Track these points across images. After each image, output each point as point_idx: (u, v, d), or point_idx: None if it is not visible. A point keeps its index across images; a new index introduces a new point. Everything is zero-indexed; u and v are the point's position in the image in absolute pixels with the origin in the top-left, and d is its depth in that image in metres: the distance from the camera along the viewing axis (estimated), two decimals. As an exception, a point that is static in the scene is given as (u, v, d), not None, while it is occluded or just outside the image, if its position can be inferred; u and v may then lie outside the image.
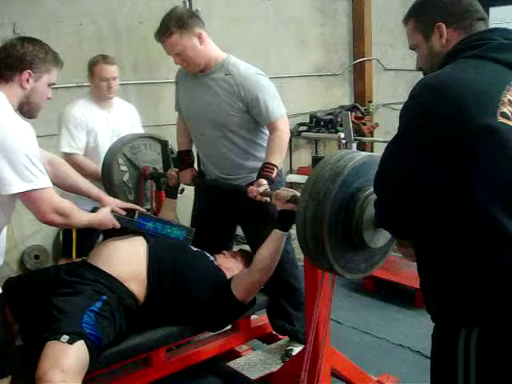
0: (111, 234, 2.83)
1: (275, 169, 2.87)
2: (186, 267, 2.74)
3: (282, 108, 2.98)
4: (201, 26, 2.92)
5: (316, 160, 2.62)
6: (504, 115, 1.43)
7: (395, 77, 7.45)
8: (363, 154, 2.11)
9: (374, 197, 1.88)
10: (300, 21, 6.72)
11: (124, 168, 3.51)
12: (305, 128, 6.64)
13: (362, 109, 6.82)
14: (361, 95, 7.25)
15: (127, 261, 2.66)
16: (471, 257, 1.49)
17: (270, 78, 6.64)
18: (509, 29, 1.65)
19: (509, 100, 1.46)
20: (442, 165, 1.44)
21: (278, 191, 2.59)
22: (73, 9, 4.96)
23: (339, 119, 6.44)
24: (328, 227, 1.94)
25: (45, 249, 4.96)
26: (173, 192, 3.34)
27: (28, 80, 2.22)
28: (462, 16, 1.65)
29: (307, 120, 6.74)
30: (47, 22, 4.79)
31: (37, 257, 4.89)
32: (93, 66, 3.70)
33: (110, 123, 3.79)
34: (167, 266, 2.70)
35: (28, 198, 2.17)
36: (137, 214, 2.82)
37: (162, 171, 3.53)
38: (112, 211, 2.70)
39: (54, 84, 2.36)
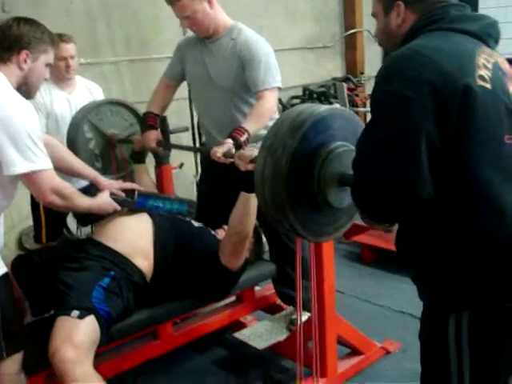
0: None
1: (246, 133, 2.79)
2: (189, 242, 2.75)
3: (275, 81, 2.96)
4: None
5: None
6: (481, 78, 1.43)
7: (386, 48, 7.44)
8: (325, 107, 1.95)
9: (339, 151, 1.79)
10: (290, -8, 6.68)
11: (89, 135, 3.40)
12: (298, 101, 6.62)
13: (355, 80, 6.82)
14: (352, 67, 7.25)
15: (133, 237, 2.67)
16: (460, 234, 1.46)
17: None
18: (463, 3, 1.62)
19: (482, 64, 1.46)
20: (432, 131, 1.39)
21: (240, 151, 2.55)
22: (63, -14, 4.90)
23: (332, 91, 6.44)
24: (288, 185, 1.79)
25: (43, 228, 4.95)
26: (139, 158, 3.32)
27: (26, 60, 2.22)
28: None
29: (300, 93, 6.73)
30: (37, 0, 4.74)
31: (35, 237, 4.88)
32: None
33: (71, 104, 3.67)
34: (172, 241, 2.71)
35: (29, 179, 2.17)
36: (136, 194, 2.81)
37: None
38: (111, 194, 2.69)
39: (50, 64, 2.35)
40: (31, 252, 2.93)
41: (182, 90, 3.31)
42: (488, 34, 1.56)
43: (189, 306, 2.86)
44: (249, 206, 2.58)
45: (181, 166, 3.95)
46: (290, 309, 3.28)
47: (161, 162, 3.51)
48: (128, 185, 2.88)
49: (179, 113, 4.76)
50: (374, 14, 1.75)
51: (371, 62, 7.27)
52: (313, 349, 2.59)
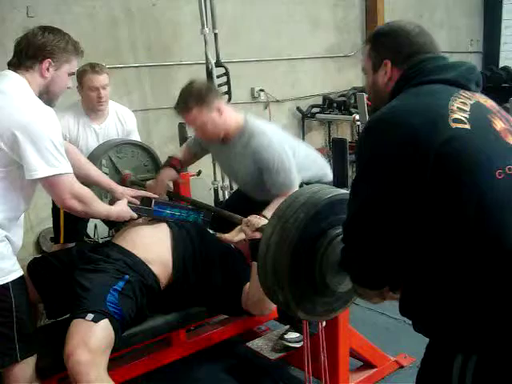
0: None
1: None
2: (205, 251, 2.75)
3: (292, 182, 2.92)
4: (219, 98, 2.93)
5: (337, 142, 2.52)
6: (457, 121, 1.43)
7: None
8: (342, 191, 2.01)
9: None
10: (312, 1, 6.69)
11: (105, 170, 3.34)
12: (318, 110, 6.63)
13: (375, 90, 6.79)
14: (373, 77, 7.23)
15: (152, 244, 2.68)
16: (465, 276, 1.42)
17: (282, 59, 6.64)
18: (443, 56, 1.67)
19: (457, 107, 1.46)
20: (406, 186, 1.41)
21: (249, 218, 2.56)
22: (86, -9, 4.96)
23: (352, 101, 6.43)
24: (292, 256, 1.83)
25: (60, 231, 4.98)
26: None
27: (48, 69, 2.23)
28: (409, 56, 1.64)
29: (320, 101, 6.73)
30: (60, 5, 4.79)
31: (53, 239, 4.92)
32: (81, 76, 3.50)
33: (99, 137, 3.66)
34: (190, 251, 2.71)
35: (50, 183, 2.19)
36: (153, 202, 2.83)
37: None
38: (128, 202, 2.70)
39: (73, 73, 2.38)
40: (48, 254, 2.95)
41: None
42: (467, 79, 1.58)
43: (203, 315, 2.86)
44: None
45: (199, 173, 3.97)
46: (285, 327, 3.19)
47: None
48: (143, 193, 2.90)
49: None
50: (363, 70, 1.78)
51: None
52: (324, 361, 2.58)
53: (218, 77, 5.08)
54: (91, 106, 3.61)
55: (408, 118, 1.44)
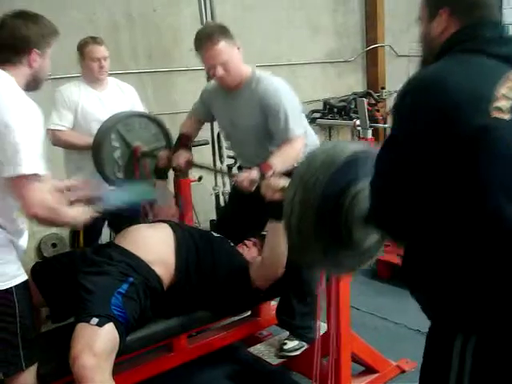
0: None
1: (271, 170, 2.78)
2: (210, 253, 2.77)
3: (299, 129, 2.94)
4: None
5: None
6: (498, 109, 1.39)
7: (408, 63, 7.41)
8: (359, 146, 2.01)
9: (366, 193, 1.77)
10: (312, 6, 6.67)
11: (116, 144, 3.43)
12: (318, 115, 6.62)
13: (375, 95, 6.79)
14: (374, 82, 7.23)
15: (155, 245, 2.70)
16: (477, 259, 1.42)
17: (282, 65, 6.62)
18: (503, 24, 1.59)
19: (503, 94, 1.40)
20: (443, 162, 1.39)
21: (268, 180, 2.56)
22: (86, -4, 4.96)
23: (352, 106, 6.43)
24: (316, 216, 1.82)
25: (62, 237, 4.96)
26: (161, 174, 3.32)
27: (36, 59, 2.22)
28: (470, 8, 1.56)
29: (320, 107, 6.72)
30: (61, 10, 4.78)
31: (54, 245, 4.92)
32: (82, 47, 3.67)
33: (103, 102, 3.73)
34: (193, 252, 2.73)
35: (17, 184, 2.02)
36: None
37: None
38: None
39: None
40: (51, 258, 2.96)
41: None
42: None
43: (205, 320, 2.86)
44: (278, 233, 2.49)
45: (200, 179, 3.98)
46: (284, 335, 3.23)
47: (180, 175, 3.53)
48: (68, 182, 2.58)
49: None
50: (419, 18, 1.71)
51: (392, 77, 7.25)
52: (327, 365, 2.58)
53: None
54: (92, 77, 3.72)
55: (453, 89, 1.40)
